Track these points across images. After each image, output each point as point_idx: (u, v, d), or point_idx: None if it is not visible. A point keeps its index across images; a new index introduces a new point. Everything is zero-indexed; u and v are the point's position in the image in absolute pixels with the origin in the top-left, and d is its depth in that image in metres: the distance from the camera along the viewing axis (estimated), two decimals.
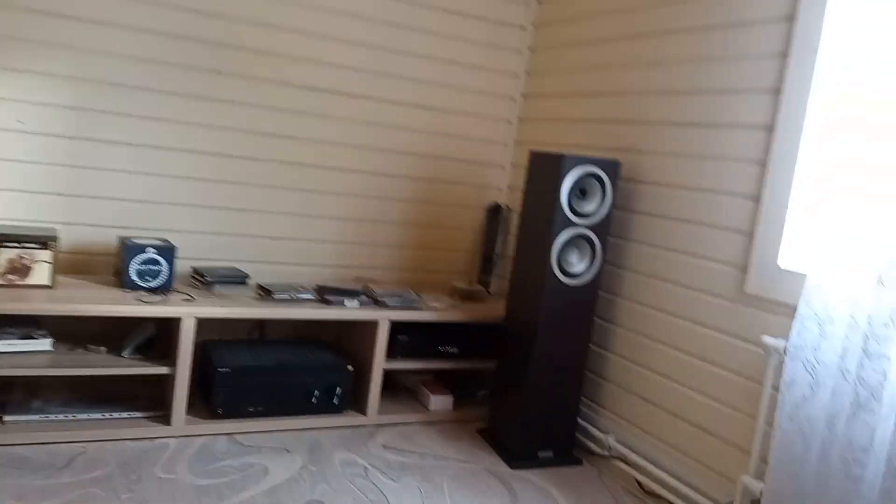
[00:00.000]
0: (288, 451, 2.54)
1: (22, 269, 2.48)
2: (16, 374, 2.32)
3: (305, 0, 2.96)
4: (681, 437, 2.45)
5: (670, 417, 2.49)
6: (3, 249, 2.45)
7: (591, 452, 2.80)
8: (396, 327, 2.88)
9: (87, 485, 2.14)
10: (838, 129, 1.97)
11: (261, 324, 3.04)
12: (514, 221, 3.38)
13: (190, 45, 2.81)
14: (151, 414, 2.58)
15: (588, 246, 2.61)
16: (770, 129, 2.20)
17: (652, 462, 2.55)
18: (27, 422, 2.40)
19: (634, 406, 2.65)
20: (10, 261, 2.47)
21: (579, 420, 2.84)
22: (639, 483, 2.58)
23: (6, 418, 2.39)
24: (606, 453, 2.74)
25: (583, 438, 2.84)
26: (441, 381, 3.16)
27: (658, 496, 2.49)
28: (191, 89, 2.85)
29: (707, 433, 2.35)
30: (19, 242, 2.47)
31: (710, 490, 2.31)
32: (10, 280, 2.47)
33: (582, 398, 2.86)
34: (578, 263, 2.62)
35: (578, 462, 2.73)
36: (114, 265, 2.81)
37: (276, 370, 2.67)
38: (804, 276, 2.00)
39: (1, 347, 2.40)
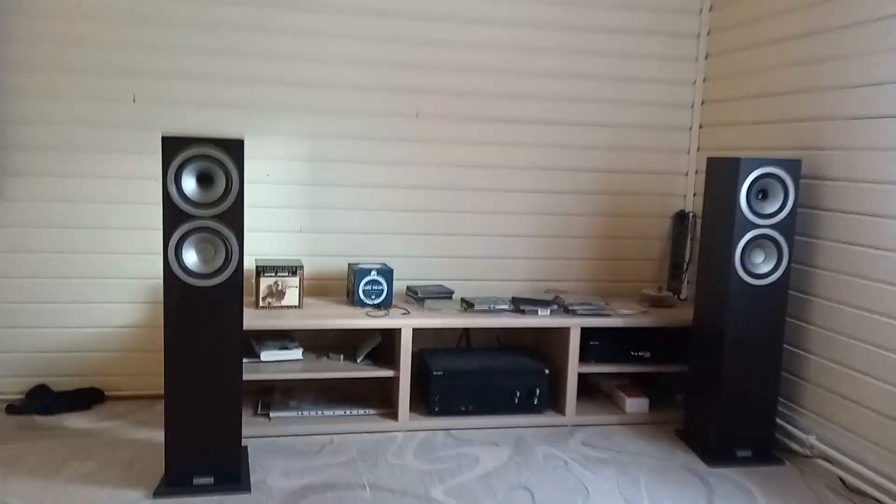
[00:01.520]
0: (496, 444, 2.86)
1: (277, 294, 3.07)
2: (277, 378, 2.88)
3: (484, 42, 3.33)
4: (886, 433, 2.40)
5: (874, 415, 2.45)
6: (263, 278, 3.06)
7: (793, 452, 2.80)
8: (588, 333, 3.10)
9: (335, 467, 2.61)
10: None
11: (466, 333, 3.41)
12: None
13: (394, 95, 3.29)
14: (382, 411, 3.04)
15: (773, 246, 2.65)
16: None
17: (856, 460, 2.51)
18: (287, 417, 2.96)
19: (836, 405, 2.63)
20: (269, 287, 3.07)
21: (778, 420, 2.85)
22: (842, 481, 2.55)
23: (272, 414, 2.96)
24: (808, 453, 2.73)
25: (784, 438, 2.85)
26: (638, 386, 3.31)
27: (863, 493, 2.46)
28: (397, 133, 3.32)
29: None
30: (275, 272, 3.07)
31: None
32: (269, 302, 3.07)
33: (780, 398, 2.87)
34: (764, 264, 2.67)
35: (780, 461, 2.75)
36: (345, 287, 3.34)
37: (482, 373, 3.01)
38: None
39: (265, 357, 2.99)
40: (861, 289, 2.52)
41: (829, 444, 2.65)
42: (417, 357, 3.20)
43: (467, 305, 3.13)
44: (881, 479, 2.38)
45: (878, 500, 2.39)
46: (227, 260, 2.33)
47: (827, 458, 2.65)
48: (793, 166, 2.62)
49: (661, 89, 3.50)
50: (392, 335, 3.04)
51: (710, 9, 3.44)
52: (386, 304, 3.13)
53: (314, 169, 3.28)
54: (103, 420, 2.95)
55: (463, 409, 3.02)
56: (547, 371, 3.06)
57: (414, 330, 2.96)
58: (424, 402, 3.06)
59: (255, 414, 2.99)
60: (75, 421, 2.93)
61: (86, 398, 3.07)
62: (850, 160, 2.58)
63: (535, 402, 3.06)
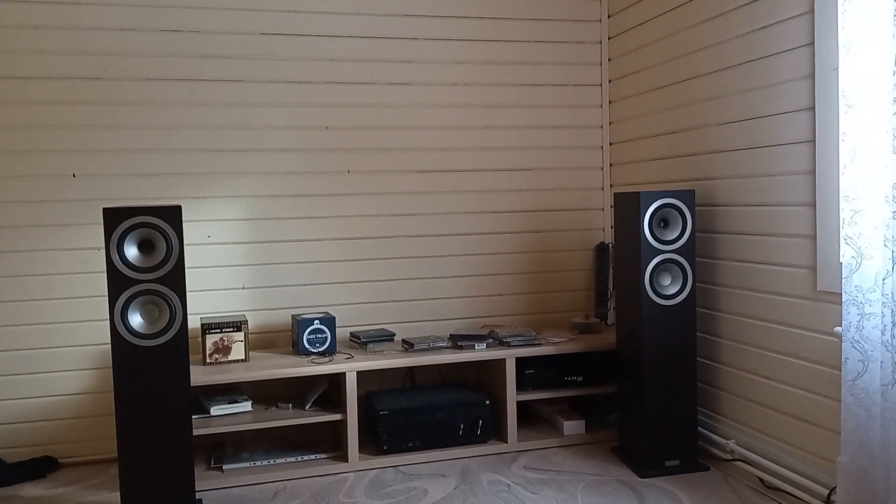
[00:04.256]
0: (443, 475, 3.01)
1: (223, 349, 3.20)
2: (228, 431, 2.99)
3: (406, 101, 3.59)
4: (795, 433, 2.64)
5: (783, 416, 2.70)
6: (209, 335, 3.18)
7: (716, 458, 3.03)
8: (524, 363, 3.30)
9: None
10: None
11: (410, 372, 3.58)
12: None
13: (325, 154, 3.51)
14: (332, 454, 3.16)
15: (678, 269, 2.92)
16: (812, 142, 2.46)
17: (769, 459, 2.75)
18: (240, 468, 3.06)
19: (748, 409, 2.87)
20: (214, 343, 3.19)
21: (701, 429, 3.08)
22: (761, 480, 2.78)
23: (225, 467, 3.06)
24: (729, 457, 2.96)
25: (707, 446, 3.07)
26: (575, 408, 3.52)
27: (780, 490, 2.68)
28: (331, 189, 3.52)
29: (809, 423, 2.54)
30: (220, 328, 3.20)
31: (819, 476, 2.49)
32: (216, 358, 3.19)
33: (699, 408, 3.10)
34: (671, 286, 2.93)
35: (705, 468, 2.97)
36: (290, 338, 3.49)
37: (427, 409, 3.18)
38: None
39: (215, 412, 3.09)
40: (757, 301, 2.79)
41: (747, 447, 2.88)
42: (364, 399, 3.35)
43: (408, 346, 3.30)
44: (790, 474, 2.61)
45: (792, 496, 2.62)
46: (172, 319, 2.48)
47: (746, 461, 2.87)
48: (687, 196, 2.91)
49: (573, 134, 3.80)
50: (338, 380, 3.19)
51: (609, 60, 3.78)
52: (330, 351, 3.28)
53: (253, 227, 3.45)
54: (58, 487, 3.00)
55: (410, 445, 3.17)
56: (487, 402, 3.24)
57: (358, 373, 3.11)
58: (373, 441, 3.20)
59: (209, 468, 3.08)
60: (30, 490, 2.98)
61: (40, 467, 3.11)
62: (735, 187, 2.88)
63: (479, 433, 3.23)
